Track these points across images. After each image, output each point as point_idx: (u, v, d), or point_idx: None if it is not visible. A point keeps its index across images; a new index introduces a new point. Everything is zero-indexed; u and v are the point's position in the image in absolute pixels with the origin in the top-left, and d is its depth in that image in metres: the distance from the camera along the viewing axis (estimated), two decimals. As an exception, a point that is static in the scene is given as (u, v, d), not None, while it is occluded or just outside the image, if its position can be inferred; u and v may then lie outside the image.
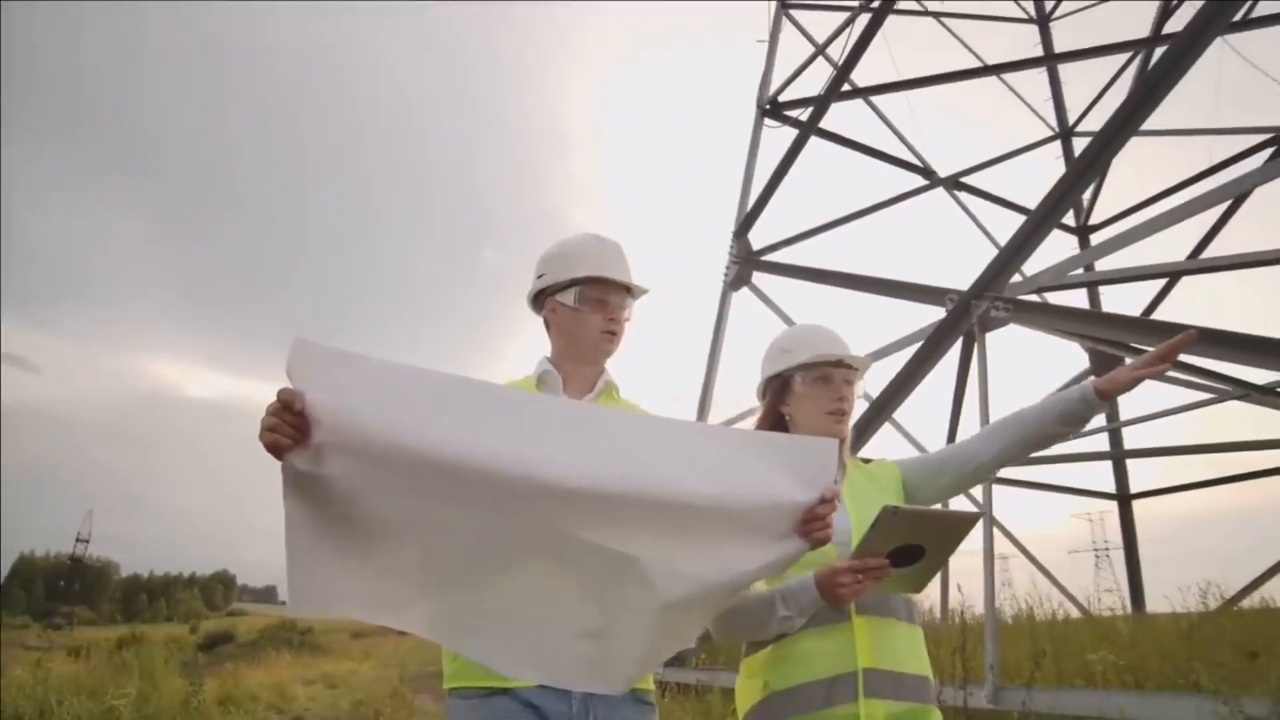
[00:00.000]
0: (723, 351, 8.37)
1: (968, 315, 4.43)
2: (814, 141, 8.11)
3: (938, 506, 1.56)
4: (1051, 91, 11.04)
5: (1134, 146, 8.73)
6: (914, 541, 1.38)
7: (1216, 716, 3.40)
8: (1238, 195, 6.18)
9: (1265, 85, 8.15)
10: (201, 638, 26.84)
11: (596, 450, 1.20)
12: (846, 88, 8.11)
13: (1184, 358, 4.23)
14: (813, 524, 1.32)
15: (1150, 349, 1.45)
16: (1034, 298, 4.56)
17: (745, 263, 7.76)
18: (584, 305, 1.67)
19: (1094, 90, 10.23)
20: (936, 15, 10.31)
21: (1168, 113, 8.79)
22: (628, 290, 1.71)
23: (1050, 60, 9.98)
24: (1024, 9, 11.33)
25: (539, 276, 1.73)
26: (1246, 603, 7.07)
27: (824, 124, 8.20)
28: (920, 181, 9.27)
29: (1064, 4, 11.18)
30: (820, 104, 7.95)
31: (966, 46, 10.11)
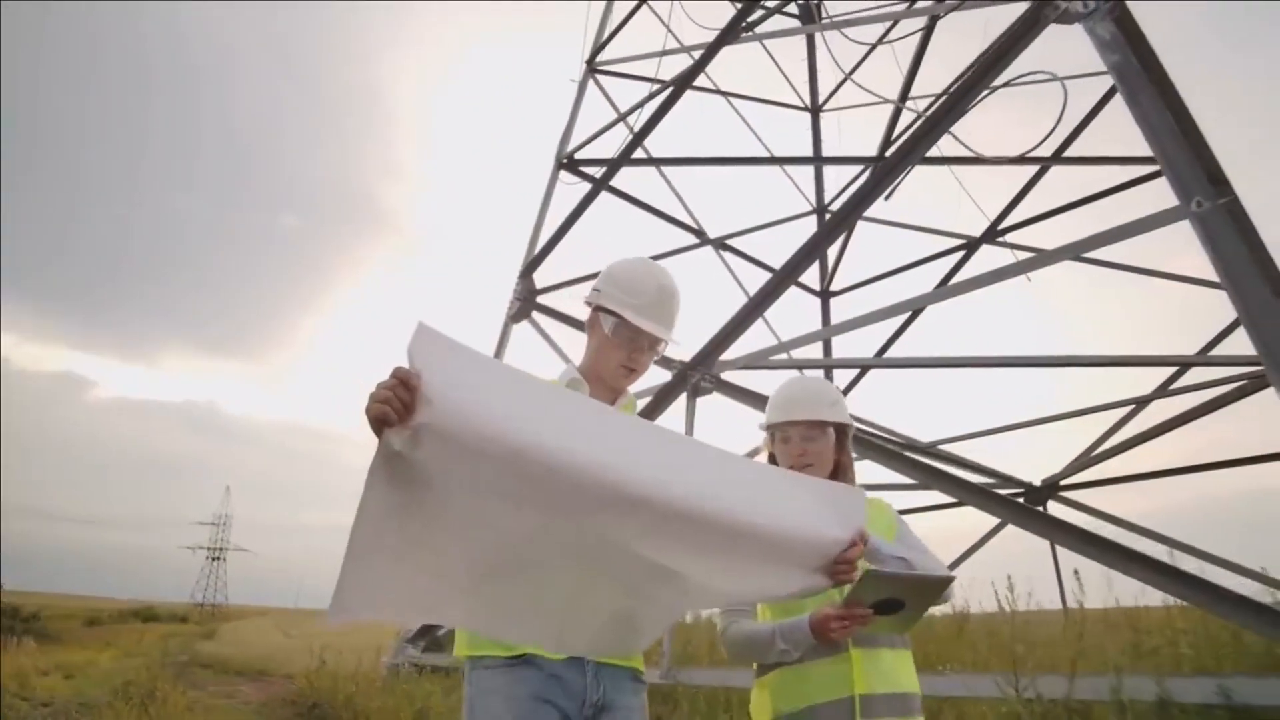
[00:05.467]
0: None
1: (685, 382, 5.66)
2: (605, 195, 9.22)
3: (915, 570, 1.69)
4: (815, 174, 13.08)
5: (871, 230, 10.83)
6: (894, 597, 1.54)
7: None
8: (915, 310, 8.04)
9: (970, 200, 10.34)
10: (-107, 623, 23.25)
11: (673, 471, 1.28)
12: (640, 154, 9.32)
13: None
14: (842, 567, 1.45)
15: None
16: (738, 374, 5.87)
17: (527, 301, 8.72)
18: (614, 337, 1.76)
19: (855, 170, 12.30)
20: (727, 95, 11.93)
21: (899, 208, 10.96)
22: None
23: (816, 161, 12.04)
24: (801, 98, 13.35)
25: (596, 289, 1.82)
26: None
27: (619, 177, 9.31)
28: (694, 240, 10.80)
29: (832, 100, 13.30)
30: (613, 166, 9.08)
31: (750, 129, 11.86)
